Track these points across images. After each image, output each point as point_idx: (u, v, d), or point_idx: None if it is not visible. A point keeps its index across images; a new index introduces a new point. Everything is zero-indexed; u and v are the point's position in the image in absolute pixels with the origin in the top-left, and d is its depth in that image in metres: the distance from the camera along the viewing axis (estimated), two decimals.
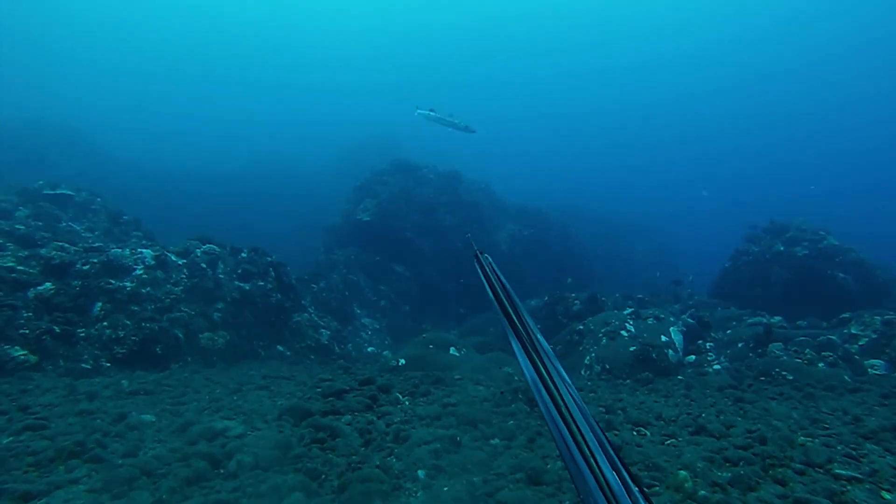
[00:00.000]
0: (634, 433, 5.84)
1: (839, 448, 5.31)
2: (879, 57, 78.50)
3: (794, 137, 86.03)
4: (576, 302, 16.03)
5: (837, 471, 4.50)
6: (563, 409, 1.31)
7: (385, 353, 16.43)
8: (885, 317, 12.40)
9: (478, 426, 5.63)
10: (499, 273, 1.62)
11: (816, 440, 5.48)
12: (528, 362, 1.37)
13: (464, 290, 22.55)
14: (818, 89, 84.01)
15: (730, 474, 4.31)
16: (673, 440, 5.49)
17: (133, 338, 10.22)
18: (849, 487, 4.19)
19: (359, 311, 19.35)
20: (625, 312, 13.34)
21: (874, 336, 12.11)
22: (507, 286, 1.56)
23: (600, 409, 6.92)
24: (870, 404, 7.84)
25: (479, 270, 1.70)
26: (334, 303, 18.40)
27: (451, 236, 23.74)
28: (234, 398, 7.61)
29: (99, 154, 34.46)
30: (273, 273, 14.56)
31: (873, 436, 5.67)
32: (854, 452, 5.16)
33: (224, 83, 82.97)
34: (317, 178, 42.43)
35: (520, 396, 6.66)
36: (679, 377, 11.10)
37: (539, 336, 1.44)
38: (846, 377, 10.25)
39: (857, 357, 11.65)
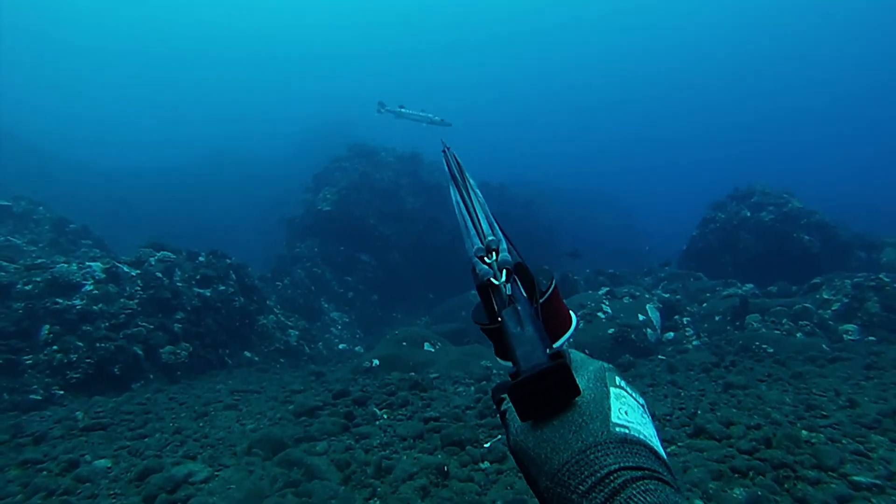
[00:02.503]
0: None
1: (846, 443, 5.11)
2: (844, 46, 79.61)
3: (757, 106, 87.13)
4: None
5: (855, 478, 4.27)
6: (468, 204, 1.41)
7: (357, 348, 16.01)
8: (854, 280, 12.44)
9: (465, 447, 5.27)
10: (460, 162, 1.64)
11: (821, 434, 5.27)
12: (457, 194, 1.47)
13: (432, 274, 22.17)
14: (788, 64, 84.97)
15: (745, 493, 4.03)
16: (673, 447, 5.21)
17: (87, 360, 9.57)
18: (874, 500, 3.95)
19: (327, 306, 18.81)
20: (600, 293, 13.11)
21: (846, 300, 12.14)
22: (465, 171, 1.59)
23: None
24: (857, 379, 7.75)
25: (444, 163, 1.66)
26: (301, 299, 17.83)
27: (414, 219, 23.24)
28: (200, 424, 7.10)
29: (40, 156, 32.82)
30: (234, 275, 13.94)
31: (877, 425, 5.49)
32: (863, 448, 4.96)
33: (172, 72, 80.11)
34: (275, 166, 41.34)
35: None
36: (660, 356, 10.94)
37: (475, 189, 1.50)
38: (824, 346, 10.23)
39: (831, 323, 11.67)
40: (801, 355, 9.67)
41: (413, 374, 9.95)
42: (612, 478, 0.72)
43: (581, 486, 0.73)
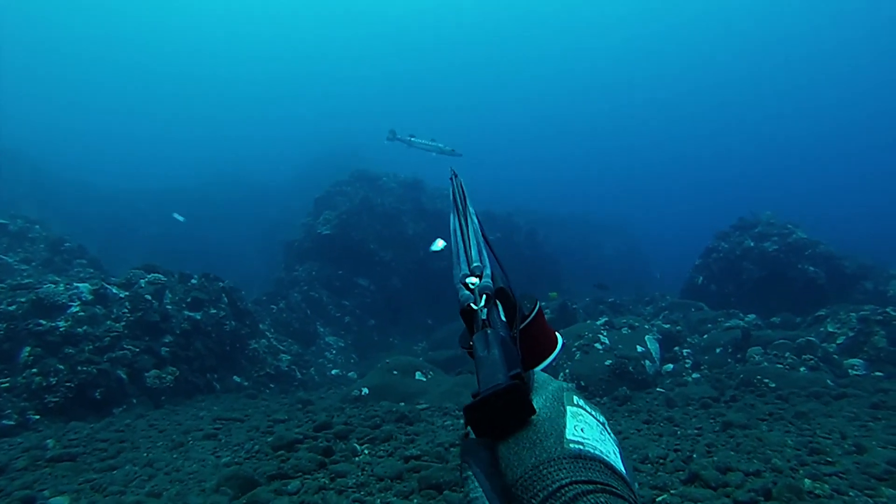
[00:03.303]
0: None
1: (853, 496, 4.73)
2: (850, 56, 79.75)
3: (763, 136, 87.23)
4: (546, 311, 15.44)
5: None
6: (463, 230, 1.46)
7: (350, 374, 15.69)
8: (860, 313, 12.13)
9: (443, 490, 4.94)
10: (465, 190, 1.71)
11: (825, 485, 4.92)
12: (455, 221, 1.54)
13: (431, 300, 21.87)
14: (792, 89, 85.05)
15: None
16: (665, 496, 4.87)
17: (67, 384, 9.29)
18: None
19: (322, 330, 18.52)
20: (598, 323, 12.79)
21: (851, 334, 11.83)
22: (468, 199, 1.65)
23: None
24: (863, 419, 7.38)
25: (451, 190, 1.76)
26: (296, 323, 17.56)
27: (415, 245, 23.01)
28: (174, 455, 6.79)
29: (43, 176, 32.78)
30: (226, 299, 13.68)
31: (888, 476, 5.11)
32: (872, 503, 4.61)
33: (179, 97, 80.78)
34: (279, 189, 41.29)
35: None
36: (658, 389, 10.59)
37: (473, 217, 1.56)
38: (829, 381, 9.87)
39: (836, 357, 11.34)
40: (805, 391, 9.32)
41: (403, 403, 9.65)
42: (563, 491, 0.73)
43: (533, 500, 0.75)
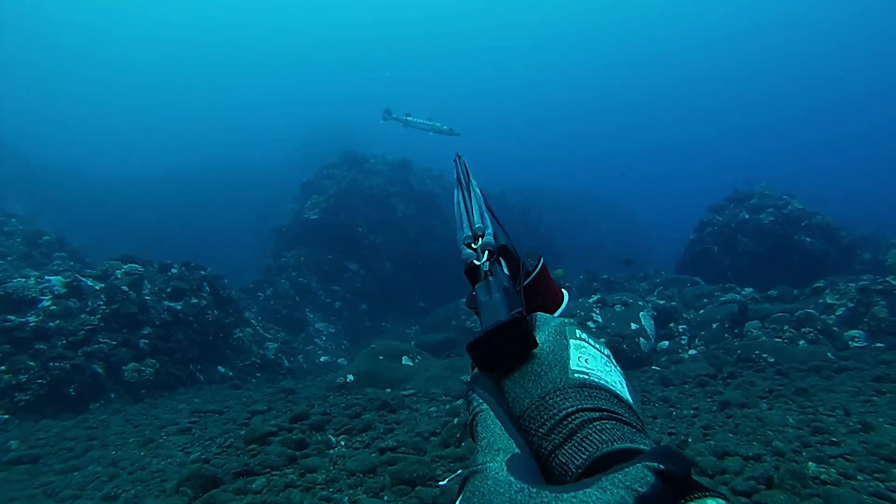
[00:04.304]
0: None
1: (861, 480, 4.37)
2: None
3: (759, 105, 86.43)
4: None
5: None
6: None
7: (340, 360, 15.35)
8: (860, 283, 11.75)
9: (415, 486, 4.57)
10: (468, 169, 1.69)
11: (831, 469, 4.54)
12: (459, 195, 1.54)
13: (424, 282, 21.51)
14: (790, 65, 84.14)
15: None
16: None
17: (39, 381, 8.93)
18: None
19: (311, 316, 18.14)
20: (590, 301, 12.42)
21: (851, 305, 11.47)
22: (471, 176, 1.66)
23: None
24: (867, 394, 7.02)
25: (455, 169, 1.75)
26: (284, 310, 17.16)
27: (405, 227, 22.59)
28: (142, 453, 6.43)
29: (30, 166, 32.17)
30: (208, 287, 13.29)
31: None
32: (883, 487, 4.24)
33: (167, 84, 79.56)
34: (271, 174, 40.75)
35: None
36: (654, 367, 10.27)
37: (476, 189, 1.56)
38: (829, 354, 9.53)
39: (835, 329, 10.98)
40: (805, 365, 8.97)
41: (388, 390, 9.30)
42: (569, 420, 0.76)
43: (541, 430, 0.78)
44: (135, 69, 78.40)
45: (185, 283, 12.72)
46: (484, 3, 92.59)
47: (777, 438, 5.35)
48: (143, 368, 10.46)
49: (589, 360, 0.88)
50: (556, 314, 1.29)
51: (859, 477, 4.48)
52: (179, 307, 12.17)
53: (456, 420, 6.35)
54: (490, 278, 1.13)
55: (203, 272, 13.48)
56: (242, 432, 6.52)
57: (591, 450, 0.72)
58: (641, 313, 11.76)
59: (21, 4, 72.92)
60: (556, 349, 0.89)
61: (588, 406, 0.78)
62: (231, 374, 12.31)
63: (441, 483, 4.73)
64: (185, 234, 29.83)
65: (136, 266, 12.19)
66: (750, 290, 13.89)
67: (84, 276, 11.32)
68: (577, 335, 0.94)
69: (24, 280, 10.46)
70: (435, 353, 12.86)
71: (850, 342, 10.60)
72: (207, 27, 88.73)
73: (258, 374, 12.73)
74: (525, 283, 1.27)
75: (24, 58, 69.15)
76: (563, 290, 1.40)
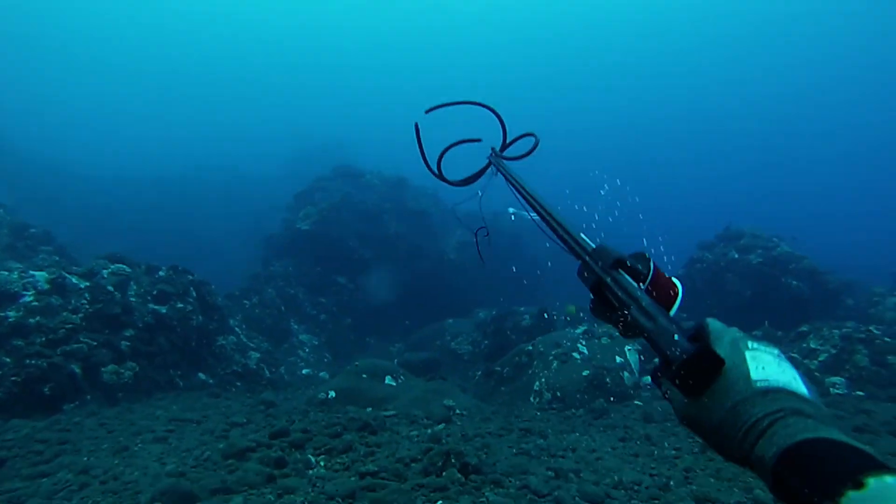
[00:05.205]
0: None
1: None
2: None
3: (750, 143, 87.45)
4: (525, 316, 15.11)
5: None
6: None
7: (322, 373, 15.23)
8: (843, 330, 11.87)
9: None
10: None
11: None
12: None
13: (409, 300, 21.45)
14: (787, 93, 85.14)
15: None
16: None
17: (13, 378, 8.76)
18: None
19: (296, 327, 18.02)
20: (577, 332, 12.43)
21: (833, 351, 11.56)
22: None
23: (548, 472, 5.86)
24: None
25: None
26: (268, 320, 17.05)
27: (396, 244, 22.57)
28: (116, 461, 6.31)
29: (16, 159, 31.88)
30: (195, 292, 13.16)
31: None
32: None
33: (163, 85, 79.50)
34: (263, 183, 40.63)
35: (452, 461, 5.55)
36: (636, 402, 10.26)
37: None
38: None
39: (817, 375, 11.07)
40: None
41: (370, 409, 9.21)
42: (759, 424, 0.88)
43: (737, 434, 0.91)
44: (132, 69, 78.46)
45: (172, 286, 12.60)
46: (487, 17, 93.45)
47: (758, 486, 5.35)
48: (122, 371, 10.31)
49: (766, 367, 0.97)
50: (678, 303, 1.35)
51: None
52: (164, 311, 12.05)
53: (436, 448, 6.29)
54: (641, 301, 1.18)
55: (190, 276, 13.37)
56: (220, 445, 6.42)
57: (780, 443, 0.80)
58: (627, 347, 11.77)
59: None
60: (737, 363, 0.98)
61: (774, 409, 0.87)
62: (211, 381, 12.16)
63: None
64: (173, 238, 29.56)
65: (124, 266, 12.09)
66: (735, 329, 13.94)
67: (70, 274, 11.20)
68: (750, 346, 1.03)
69: (7, 273, 10.33)
70: (417, 372, 12.79)
71: (830, 388, 10.67)
72: (207, 30, 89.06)
73: (238, 383, 12.58)
74: (646, 285, 1.31)
75: (15, 52, 68.90)
76: (673, 278, 1.40)
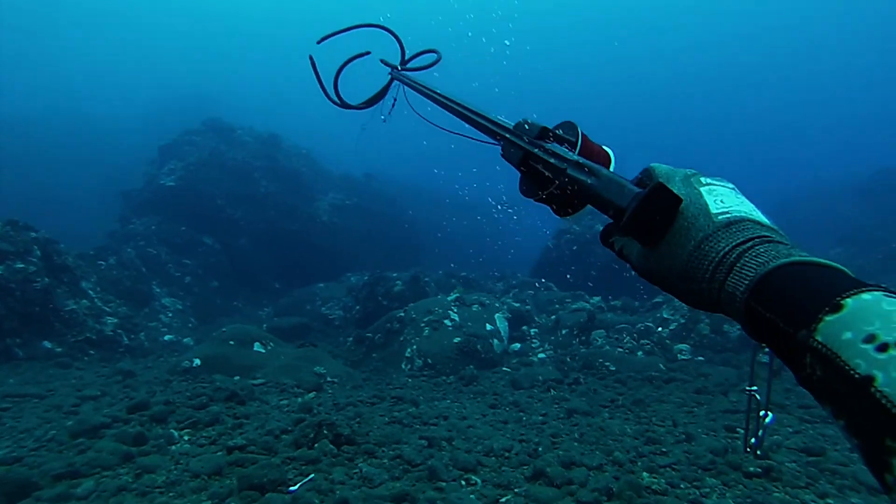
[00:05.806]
0: (462, 484, 4.93)
1: (683, 488, 4.82)
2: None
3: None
4: (397, 282, 15.10)
5: None
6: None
7: (186, 339, 14.47)
8: None
9: (265, 492, 4.36)
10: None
11: (661, 479, 4.95)
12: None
13: (279, 263, 20.85)
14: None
15: None
16: (509, 496, 4.64)
17: None
18: None
19: (159, 291, 16.93)
20: (449, 298, 12.63)
21: (682, 321, 12.53)
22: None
23: (421, 441, 5.91)
24: (690, 405, 7.79)
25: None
26: (127, 282, 15.86)
27: (267, 204, 21.73)
28: None
29: None
30: (39, 252, 11.95)
31: (711, 466, 5.27)
32: (698, 493, 4.71)
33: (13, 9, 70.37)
34: (122, 134, 37.46)
35: (324, 432, 5.44)
36: (505, 368, 10.64)
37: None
38: (661, 365, 10.39)
39: (668, 342, 11.98)
40: (640, 374, 9.73)
41: (237, 377, 8.87)
42: (727, 258, 0.84)
43: (705, 275, 0.86)
44: None
45: (10, 244, 11.36)
46: None
47: (617, 448, 5.74)
48: None
49: (724, 199, 0.94)
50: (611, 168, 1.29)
51: (682, 486, 4.93)
52: (1, 272, 10.86)
53: (308, 418, 6.16)
54: (578, 160, 1.13)
55: (34, 234, 12.11)
56: (69, 423, 5.88)
57: (751, 274, 0.78)
58: (497, 315, 12.13)
59: None
60: (693, 200, 0.94)
61: (740, 240, 0.84)
62: (59, 350, 11.15)
63: (292, 488, 4.55)
64: (15, 189, 26.64)
65: None
66: (598, 298, 14.78)
67: None
68: (704, 181, 0.99)
69: None
70: (287, 337, 12.49)
71: (678, 355, 11.62)
72: None
73: (92, 352, 11.64)
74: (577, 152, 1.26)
75: None
76: (604, 146, 1.36)
